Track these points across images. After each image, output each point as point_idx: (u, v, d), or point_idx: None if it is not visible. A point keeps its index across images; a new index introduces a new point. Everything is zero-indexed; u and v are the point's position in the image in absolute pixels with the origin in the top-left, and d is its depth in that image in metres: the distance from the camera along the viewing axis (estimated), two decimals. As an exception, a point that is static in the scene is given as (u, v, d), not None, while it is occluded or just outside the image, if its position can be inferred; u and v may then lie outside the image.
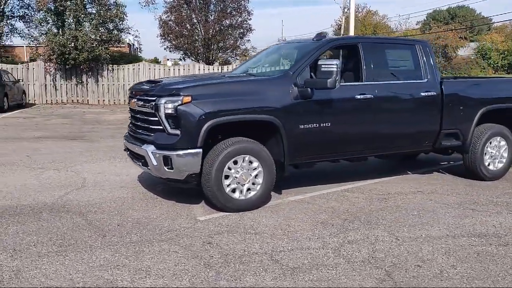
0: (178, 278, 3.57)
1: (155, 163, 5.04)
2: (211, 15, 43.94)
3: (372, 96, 5.80)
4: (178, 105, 4.87)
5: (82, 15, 20.55)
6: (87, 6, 20.91)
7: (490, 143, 6.80)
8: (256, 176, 5.28)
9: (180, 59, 41.36)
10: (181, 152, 4.90)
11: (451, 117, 6.43)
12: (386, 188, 6.35)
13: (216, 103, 5.01)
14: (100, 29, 21.28)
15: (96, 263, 3.83)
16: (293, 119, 5.35)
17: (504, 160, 6.93)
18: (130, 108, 5.81)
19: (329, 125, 5.56)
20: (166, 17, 43.58)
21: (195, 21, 43.63)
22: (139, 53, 32.33)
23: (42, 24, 20.75)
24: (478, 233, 4.61)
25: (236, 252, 4.08)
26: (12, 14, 23.56)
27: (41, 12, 20.60)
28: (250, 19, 44.31)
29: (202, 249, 4.14)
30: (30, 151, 9.21)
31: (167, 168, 4.98)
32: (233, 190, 5.19)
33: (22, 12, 23.67)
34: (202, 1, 43.27)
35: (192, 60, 38.76)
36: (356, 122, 5.79)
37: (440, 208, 5.46)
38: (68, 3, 20.25)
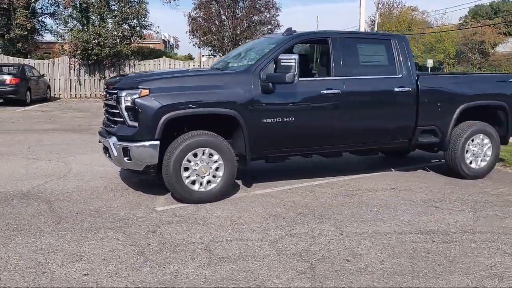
0: (105, 263, 3.70)
1: (115, 154, 5.21)
2: (240, 11, 44.29)
3: (340, 91, 5.77)
4: (136, 98, 5.02)
5: (105, 12, 21.06)
6: (110, 3, 21.37)
7: (472, 140, 6.64)
8: (216, 169, 5.36)
9: (210, 55, 41.80)
10: (138, 144, 5.05)
11: (427, 113, 6.33)
12: (359, 184, 6.31)
13: (174, 96, 5.13)
14: (123, 25, 21.75)
15: (37, 247, 4.02)
16: (255, 113, 5.40)
17: (487, 159, 6.76)
18: (103, 101, 6.01)
19: (293, 119, 5.58)
20: (195, 13, 44.43)
21: (223, 17, 44.12)
22: (175, 49, 32.83)
23: (68, 21, 21.41)
24: (428, 230, 4.56)
25: (175, 241, 4.19)
26: (43, 12, 24.42)
27: (67, 9, 21.22)
28: (278, 15, 44.53)
29: (143, 237, 4.27)
30: (34, 142, 9.60)
31: (127, 159, 5.13)
32: (193, 182, 5.30)
33: (52, 9, 24.52)
34: (230, -2, 43.80)
35: (220, 56, 39.15)
36: (322, 117, 5.79)
37: (403, 205, 5.40)
38: (92, 0, 20.81)
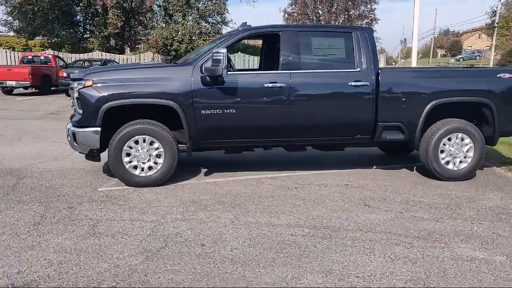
0: (1, 229, 4.29)
1: (69, 138, 5.84)
2: (336, 5, 43.80)
3: (285, 85, 5.79)
4: (80, 88, 5.58)
5: (185, 10, 22.37)
6: (190, 1, 22.62)
7: (449, 140, 6.21)
8: (158, 155, 5.74)
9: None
10: (82, 130, 5.62)
11: (390, 109, 6.06)
12: (317, 179, 6.27)
13: (115, 87, 5.60)
14: (201, 22, 22.90)
15: (-33, 212, 4.75)
16: (195, 105, 5.66)
17: (468, 160, 6.26)
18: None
19: (234, 111, 5.74)
20: (290, 9, 44.92)
21: (320, 12, 44.02)
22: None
23: (152, 18, 23.11)
24: (322, 226, 4.50)
25: (77, 217, 4.66)
26: (132, 11, 26.56)
27: (153, 7, 22.92)
28: (375, 9, 43.29)
29: (56, 211, 4.81)
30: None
31: (75, 143, 5.73)
32: (135, 167, 5.73)
33: (144, 8, 26.54)
34: (327, -8, 43.44)
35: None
36: (267, 110, 5.85)
37: (334, 201, 5.31)
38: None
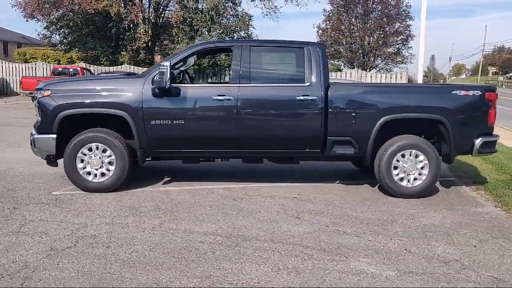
0: None
1: (30, 144, 6.22)
2: (371, 23, 43.45)
3: (233, 98, 5.96)
4: (39, 97, 5.97)
5: (209, 26, 22.95)
6: (214, 17, 23.17)
7: (403, 156, 6.16)
8: (110, 163, 6.02)
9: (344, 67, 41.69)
10: (39, 136, 5.98)
11: (340, 124, 6.09)
12: (269, 191, 6.34)
13: (70, 97, 5.95)
14: (226, 38, 23.40)
15: None
16: (145, 115, 5.92)
17: (423, 177, 6.18)
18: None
19: (183, 122, 5.96)
20: (324, 25, 44.95)
21: (354, 28, 43.81)
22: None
23: (178, 33, 23.83)
24: (240, 235, 4.59)
25: (14, 217, 4.99)
26: (160, 26, 27.45)
27: (177, 23, 23.66)
28: (410, 25, 42.62)
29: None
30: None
31: (35, 148, 6.11)
32: (89, 173, 6.04)
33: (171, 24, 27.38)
34: (362, 9, 43.24)
35: (349, 67, 38.90)
36: (215, 122, 6.03)
37: (267, 212, 5.40)
38: (197, 15, 22.87)
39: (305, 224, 5.02)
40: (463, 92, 6.15)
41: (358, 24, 43.80)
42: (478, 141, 6.20)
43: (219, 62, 21.95)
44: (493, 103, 6.21)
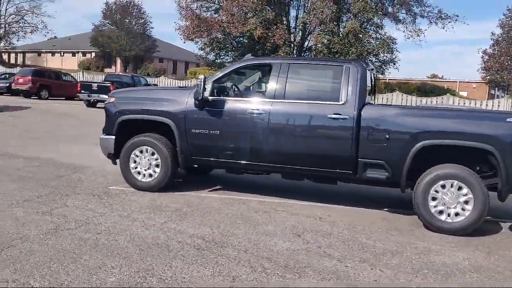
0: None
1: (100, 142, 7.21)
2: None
3: (265, 112, 6.14)
4: (106, 103, 6.93)
5: (348, 49, 22.99)
6: (351, 41, 23.11)
7: (444, 187, 5.61)
8: (156, 165, 6.68)
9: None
10: (103, 136, 6.93)
11: (372, 146, 5.82)
12: (298, 208, 6.22)
13: (130, 104, 6.80)
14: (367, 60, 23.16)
15: None
16: (187, 124, 6.45)
17: (466, 213, 5.53)
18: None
19: (218, 132, 6.33)
20: (491, 50, 40.90)
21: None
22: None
23: (317, 55, 24.33)
24: (216, 240, 4.77)
25: (59, 202, 5.90)
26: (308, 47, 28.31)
27: (317, 45, 24.18)
28: None
29: (52, 193, 6.14)
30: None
31: (101, 147, 7.08)
32: (139, 173, 6.77)
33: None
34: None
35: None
36: (247, 134, 6.24)
37: (269, 225, 5.42)
38: (335, 38, 23.12)
39: (298, 242, 4.93)
40: (519, 120, 5.36)
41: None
42: (537, 178, 5.32)
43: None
44: (561, 134, 5.28)
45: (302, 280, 3.94)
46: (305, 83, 6.36)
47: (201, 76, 6.18)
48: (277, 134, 6.12)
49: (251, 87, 7.07)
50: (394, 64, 24.57)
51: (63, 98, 27.78)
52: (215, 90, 6.45)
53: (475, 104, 22.14)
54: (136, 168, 6.74)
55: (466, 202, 5.50)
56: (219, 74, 6.57)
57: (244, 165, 6.47)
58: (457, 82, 51.21)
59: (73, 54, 60.93)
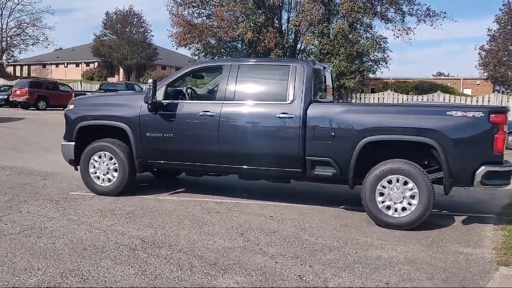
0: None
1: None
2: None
3: (215, 114, 6.22)
4: (65, 110, 7.05)
5: (337, 49, 23.02)
6: (340, 41, 23.13)
7: (390, 182, 5.65)
8: (115, 170, 6.78)
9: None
10: (64, 143, 7.05)
11: (319, 144, 5.86)
12: (252, 208, 6.31)
13: (87, 110, 6.90)
14: (355, 61, 23.17)
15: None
16: (141, 128, 6.54)
17: (412, 208, 5.56)
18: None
19: (172, 135, 6.42)
20: (488, 46, 40.65)
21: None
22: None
23: (307, 56, 24.43)
24: (156, 241, 4.83)
25: (14, 208, 6.01)
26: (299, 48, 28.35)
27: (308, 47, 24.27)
28: None
29: (9, 200, 6.26)
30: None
31: (62, 153, 7.19)
32: (98, 178, 6.87)
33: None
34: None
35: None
36: (200, 136, 6.32)
37: (217, 225, 5.49)
38: (323, 40, 23.18)
39: (238, 240, 4.99)
40: (460, 114, 5.39)
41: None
42: (479, 171, 5.35)
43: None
44: (500, 127, 5.30)
45: (224, 277, 3.99)
46: (255, 84, 6.41)
47: (150, 80, 6.27)
48: (228, 135, 6.19)
49: (205, 89, 7.15)
50: (386, 63, 24.55)
51: (61, 108, 28.03)
52: (168, 93, 6.53)
53: (466, 100, 22.01)
54: (95, 173, 6.84)
55: (412, 197, 5.53)
56: (172, 77, 6.67)
57: (199, 167, 6.54)
58: (461, 79, 50.87)
59: (77, 64, 61.63)
